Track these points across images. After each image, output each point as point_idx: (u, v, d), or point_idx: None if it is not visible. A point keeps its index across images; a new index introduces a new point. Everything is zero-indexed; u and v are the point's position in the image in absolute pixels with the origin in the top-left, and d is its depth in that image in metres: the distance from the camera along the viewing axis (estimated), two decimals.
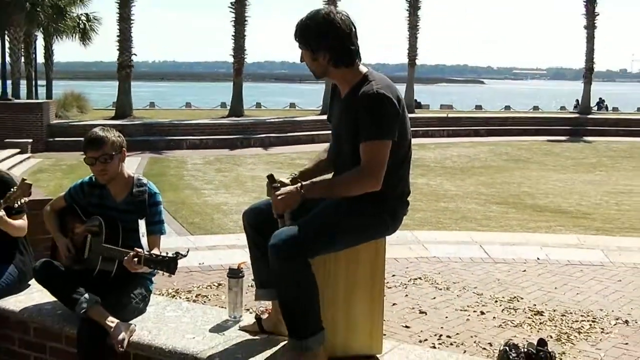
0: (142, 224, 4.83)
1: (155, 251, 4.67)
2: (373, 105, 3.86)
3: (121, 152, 4.90)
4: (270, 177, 4.22)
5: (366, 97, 3.87)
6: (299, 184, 3.99)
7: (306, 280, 3.83)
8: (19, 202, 5.13)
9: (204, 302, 7.92)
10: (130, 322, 4.60)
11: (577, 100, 49.82)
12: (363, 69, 4.05)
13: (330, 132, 4.43)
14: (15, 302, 5.13)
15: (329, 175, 4.30)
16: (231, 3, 38.48)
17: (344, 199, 3.93)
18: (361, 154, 3.87)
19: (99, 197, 4.97)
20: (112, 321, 4.49)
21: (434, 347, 6.60)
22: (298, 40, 4.01)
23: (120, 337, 4.40)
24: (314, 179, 4.15)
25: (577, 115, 42.85)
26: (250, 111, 42.38)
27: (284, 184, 4.14)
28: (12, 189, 5.14)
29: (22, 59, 33.55)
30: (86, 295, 4.58)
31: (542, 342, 3.93)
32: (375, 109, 3.85)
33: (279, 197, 3.93)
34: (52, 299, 4.96)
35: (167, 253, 4.51)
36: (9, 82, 33.12)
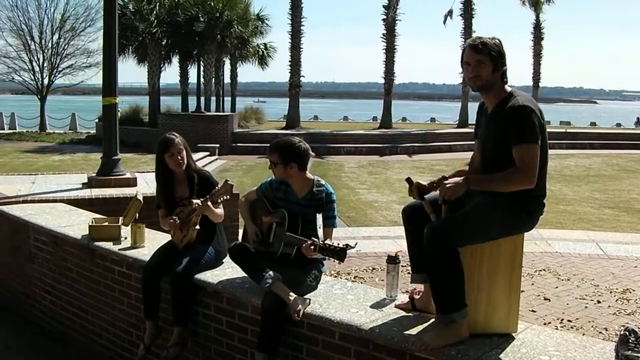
0: (319, 217, 4.90)
1: (328, 241, 4.69)
2: (522, 115, 3.78)
3: (288, 163, 4.94)
4: (409, 180, 4.23)
5: (515, 109, 3.81)
6: (465, 177, 3.94)
7: (455, 265, 3.79)
8: (221, 199, 5.28)
9: (361, 282, 7.99)
10: (305, 296, 4.64)
11: None
12: (507, 87, 3.99)
13: (472, 143, 4.41)
14: (211, 276, 5.26)
15: None
16: (383, 34, 38.43)
17: (497, 198, 3.85)
18: (515, 157, 3.78)
19: (284, 192, 5.04)
20: (291, 295, 4.54)
21: (557, 329, 6.45)
22: (485, 53, 3.89)
23: (298, 308, 4.44)
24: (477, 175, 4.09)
25: None
26: (397, 124, 42.30)
27: (420, 185, 4.15)
28: (216, 187, 5.29)
29: (213, 80, 34.46)
30: (271, 273, 4.65)
31: None
32: (523, 118, 3.78)
33: (448, 186, 3.86)
34: (241, 274, 5.08)
35: (338, 243, 4.53)
36: (202, 98, 34.30)
